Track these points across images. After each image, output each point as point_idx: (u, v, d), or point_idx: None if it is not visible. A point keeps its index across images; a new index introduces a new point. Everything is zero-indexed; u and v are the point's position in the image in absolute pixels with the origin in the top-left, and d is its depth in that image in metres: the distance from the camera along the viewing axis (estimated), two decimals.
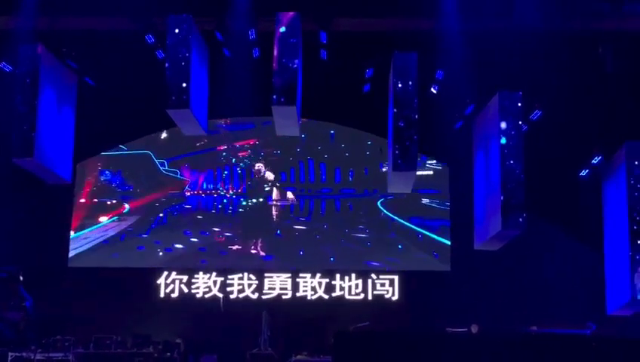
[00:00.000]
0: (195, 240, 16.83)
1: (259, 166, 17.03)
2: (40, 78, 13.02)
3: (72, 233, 16.77)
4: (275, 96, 12.68)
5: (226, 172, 17.08)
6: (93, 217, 16.84)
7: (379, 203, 16.88)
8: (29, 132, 12.84)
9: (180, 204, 16.95)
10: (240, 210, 16.98)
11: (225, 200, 17.00)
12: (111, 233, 16.79)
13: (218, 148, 17.09)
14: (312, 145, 17.14)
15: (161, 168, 16.97)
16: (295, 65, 12.75)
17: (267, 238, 16.87)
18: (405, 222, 16.82)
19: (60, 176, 13.85)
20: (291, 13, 12.95)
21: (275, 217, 17.03)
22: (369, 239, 16.82)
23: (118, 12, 13.56)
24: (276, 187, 17.08)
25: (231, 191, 17.01)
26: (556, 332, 14.06)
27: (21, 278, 15.51)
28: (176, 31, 12.81)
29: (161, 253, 16.78)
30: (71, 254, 16.67)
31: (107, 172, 17.02)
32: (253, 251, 16.84)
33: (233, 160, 17.13)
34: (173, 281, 16.67)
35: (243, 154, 17.17)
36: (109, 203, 16.94)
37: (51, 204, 16.45)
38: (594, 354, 13.11)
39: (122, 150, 17.00)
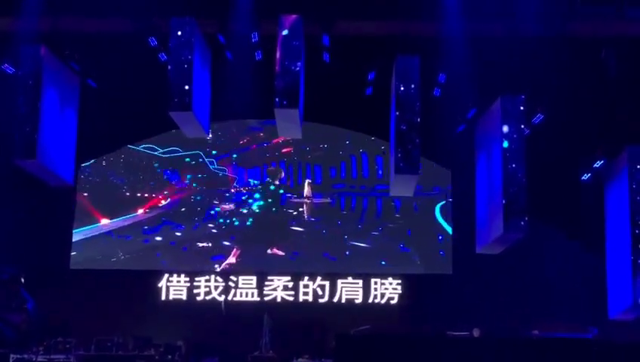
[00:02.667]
0: (234, 237, 16.92)
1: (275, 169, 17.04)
2: (42, 80, 13.04)
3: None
4: (277, 99, 12.70)
5: (272, 168, 17.15)
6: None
7: (438, 207, 16.87)
8: (31, 134, 12.86)
9: (227, 200, 17.00)
10: (285, 205, 17.06)
11: (272, 197, 17.08)
12: (157, 230, 16.91)
13: (264, 144, 17.09)
14: (363, 137, 17.04)
15: (210, 166, 17.07)
16: (297, 68, 12.76)
17: (293, 237, 16.89)
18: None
19: (62, 178, 13.86)
20: (294, 15, 12.96)
21: (305, 215, 17.03)
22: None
23: (121, 14, 13.57)
24: (308, 183, 17.07)
25: (279, 189, 17.07)
26: (558, 337, 14.05)
27: (23, 280, 15.50)
28: (179, 33, 12.84)
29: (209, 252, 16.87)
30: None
31: (168, 171, 17.11)
32: (280, 252, 16.87)
33: (278, 155, 17.16)
34: (175, 283, 16.68)
35: (287, 150, 17.16)
36: (163, 201, 17.05)
37: (53, 206, 16.45)
38: (596, 359, 13.11)
39: (177, 151, 17.06)
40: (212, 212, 17.01)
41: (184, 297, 16.64)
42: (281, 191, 17.12)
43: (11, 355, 14.27)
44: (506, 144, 12.84)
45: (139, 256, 16.81)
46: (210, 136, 16.59)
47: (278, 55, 12.85)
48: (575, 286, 15.51)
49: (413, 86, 12.94)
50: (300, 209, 17.07)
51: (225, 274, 16.71)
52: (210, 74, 13.88)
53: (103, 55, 14.37)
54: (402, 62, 13.07)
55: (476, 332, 14.50)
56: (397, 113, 12.92)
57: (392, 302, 16.57)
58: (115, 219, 16.91)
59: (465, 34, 13.50)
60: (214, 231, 16.92)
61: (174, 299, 16.63)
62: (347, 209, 17.06)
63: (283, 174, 17.14)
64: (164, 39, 13.45)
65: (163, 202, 17.04)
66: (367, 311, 16.34)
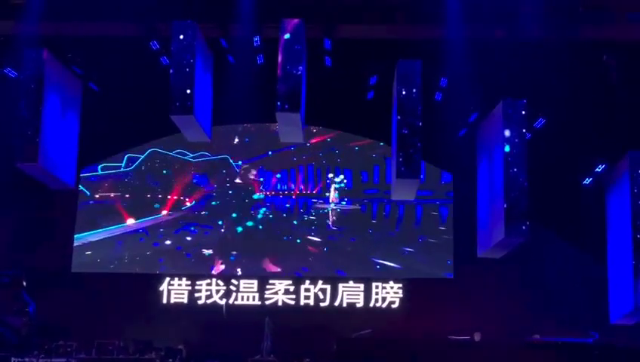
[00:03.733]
0: (253, 240, 16.93)
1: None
2: (44, 84, 13.05)
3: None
4: (279, 103, 12.69)
5: (299, 172, 17.16)
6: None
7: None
8: (33, 137, 12.86)
9: (253, 204, 17.04)
10: (312, 210, 17.03)
11: (298, 201, 17.07)
12: (175, 233, 16.96)
13: (291, 148, 17.04)
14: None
15: (237, 170, 17.09)
16: (299, 72, 12.76)
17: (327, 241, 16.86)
18: None
19: (64, 182, 13.86)
20: (296, 20, 12.96)
21: (330, 220, 16.99)
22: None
23: (123, 18, 13.58)
24: (334, 188, 17.05)
25: (304, 192, 17.06)
26: (559, 341, 14.05)
27: (24, 283, 15.50)
28: (181, 37, 12.84)
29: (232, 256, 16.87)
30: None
31: (197, 175, 17.17)
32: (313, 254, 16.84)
33: (306, 159, 17.17)
34: (176, 286, 16.69)
35: (317, 152, 17.16)
36: (188, 202, 17.10)
37: (54, 209, 16.46)
38: None
39: (206, 155, 17.10)
40: (234, 215, 17.02)
41: (185, 301, 16.64)
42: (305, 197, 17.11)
43: (12, 358, 14.26)
44: (507, 148, 12.83)
45: (144, 258, 16.84)
46: (237, 140, 16.72)
47: (279, 59, 12.85)
48: (576, 290, 15.49)
49: (414, 90, 12.93)
50: (324, 216, 16.97)
51: (226, 278, 16.70)
52: (211, 78, 13.88)
53: (104, 59, 14.39)
54: (404, 66, 13.07)
55: (477, 337, 14.50)
56: (398, 117, 12.92)
57: (394, 306, 16.55)
58: (141, 220, 16.98)
59: (466, 38, 13.50)
60: (227, 236, 16.91)
61: (175, 303, 16.63)
62: (379, 217, 16.90)
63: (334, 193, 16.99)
64: (166, 43, 13.46)
65: (188, 204, 17.09)
66: (368, 315, 16.33)
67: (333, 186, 17.07)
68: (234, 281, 16.67)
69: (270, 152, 17.12)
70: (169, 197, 17.12)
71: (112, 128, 16.15)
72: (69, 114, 13.95)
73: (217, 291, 16.67)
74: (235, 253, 16.90)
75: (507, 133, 12.89)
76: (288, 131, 13.36)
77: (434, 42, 13.58)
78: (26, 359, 14.25)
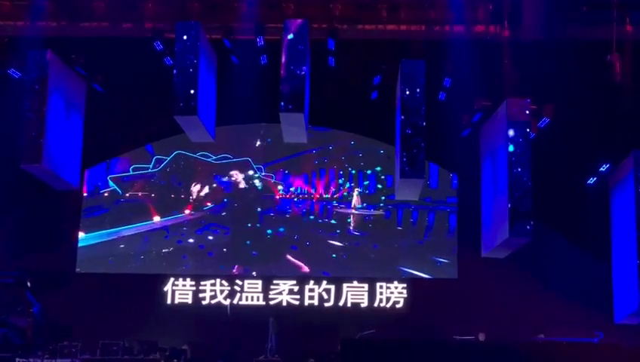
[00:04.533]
0: (278, 240, 16.94)
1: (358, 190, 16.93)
2: (48, 85, 13.05)
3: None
4: (282, 103, 12.70)
5: (320, 175, 17.14)
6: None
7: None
8: (37, 138, 12.87)
9: (272, 207, 17.09)
10: (332, 214, 17.01)
11: (319, 205, 17.07)
12: (197, 233, 17.04)
13: (313, 151, 17.07)
14: None
15: (258, 173, 17.13)
16: (303, 73, 12.76)
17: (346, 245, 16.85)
18: None
19: (68, 182, 13.87)
20: (299, 20, 12.97)
21: (352, 225, 16.94)
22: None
23: (127, 19, 13.59)
24: (357, 193, 16.99)
25: (324, 196, 17.05)
26: (563, 341, 14.03)
27: (28, 284, 15.52)
28: (185, 38, 12.84)
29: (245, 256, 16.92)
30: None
31: (219, 176, 17.23)
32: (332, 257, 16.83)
33: (327, 162, 17.16)
34: (181, 287, 16.70)
35: (339, 155, 17.14)
36: (209, 204, 17.16)
37: (59, 210, 16.47)
38: None
39: (228, 158, 17.15)
40: (253, 218, 17.04)
41: (190, 301, 16.65)
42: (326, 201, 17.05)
43: (17, 359, 14.28)
44: (511, 148, 12.81)
45: (168, 255, 16.91)
46: (259, 143, 16.80)
47: (283, 59, 12.85)
48: (580, 290, 15.48)
49: (418, 90, 12.92)
50: (345, 221, 16.94)
51: (230, 278, 16.71)
52: (215, 78, 13.88)
53: (108, 59, 14.40)
54: (407, 66, 13.06)
55: (482, 337, 14.49)
56: (402, 117, 12.91)
57: (398, 306, 16.55)
58: (165, 218, 17.05)
59: (470, 38, 13.50)
60: (246, 237, 16.95)
61: (180, 303, 16.64)
62: (405, 224, 16.82)
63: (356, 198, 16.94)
64: (169, 44, 13.47)
65: (209, 205, 17.15)
66: (372, 315, 16.33)
67: (356, 191, 17.04)
68: (238, 281, 16.67)
69: (292, 155, 17.08)
70: (192, 197, 17.20)
71: (116, 129, 16.17)
72: (73, 115, 13.96)
73: (222, 291, 16.67)
74: (255, 253, 16.91)
75: (511, 132, 12.86)
76: (292, 131, 13.36)
77: (437, 42, 13.57)
78: (31, 359, 14.28)
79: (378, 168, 17.05)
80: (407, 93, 12.92)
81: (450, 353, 13.39)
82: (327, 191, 17.09)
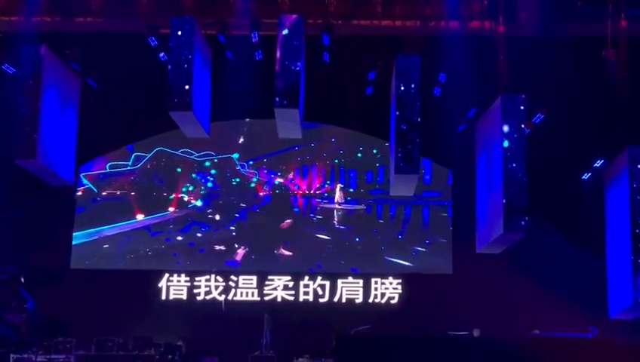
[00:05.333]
0: (263, 237, 16.91)
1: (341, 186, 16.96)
2: (43, 80, 13.02)
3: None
4: (277, 99, 12.68)
5: (303, 172, 17.12)
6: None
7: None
8: (31, 134, 12.84)
9: (257, 204, 17.04)
10: (316, 210, 17.01)
11: (302, 201, 17.05)
12: (183, 232, 16.96)
13: (296, 147, 17.05)
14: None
15: (242, 170, 17.08)
16: (298, 68, 12.75)
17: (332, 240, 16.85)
18: None
19: (63, 178, 13.84)
20: (294, 15, 12.95)
21: (336, 220, 16.95)
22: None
23: (122, 14, 13.56)
24: (340, 188, 17.01)
25: (308, 192, 17.03)
26: (558, 336, 14.05)
27: (23, 280, 15.50)
28: (179, 33, 12.81)
29: (239, 252, 16.84)
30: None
31: (201, 173, 17.18)
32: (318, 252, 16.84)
33: (310, 159, 17.15)
34: (175, 283, 16.69)
35: (321, 153, 17.11)
36: (194, 201, 17.09)
37: (54, 206, 16.45)
38: (596, 358, 13.11)
39: (211, 155, 17.09)
40: (236, 215, 17.02)
41: (184, 297, 16.63)
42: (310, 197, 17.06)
43: (11, 355, 14.27)
44: (506, 143, 12.81)
45: (157, 253, 16.85)
46: (242, 139, 16.74)
47: (278, 55, 12.83)
48: (575, 285, 15.50)
49: (413, 85, 12.91)
50: (330, 216, 16.94)
51: (225, 274, 16.70)
52: (210, 74, 13.86)
53: (103, 55, 14.38)
54: (402, 61, 13.05)
55: (476, 332, 14.50)
56: (397, 113, 12.89)
57: (393, 301, 16.56)
58: (149, 216, 16.97)
59: (465, 34, 13.49)
60: (234, 234, 16.93)
61: (175, 299, 16.62)
62: (385, 218, 16.93)
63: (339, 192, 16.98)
64: (164, 39, 13.44)
65: (193, 203, 17.09)
66: (367, 310, 16.34)
67: (338, 186, 17.04)
68: (233, 277, 16.66)
69: (275, 152, 17.10)
70: (174, 195, 17.12)
71: (111, 124, 16.14)
72: (68, 110, 13.94)
73: (217, 287, 16.66)
74: (243, 251, 16.87)
75: (506, 128, 12.87)
76: (287, 127, 13.35)
77: (433, 38, 13.56)
78: (25, 355, 14.26)
79: (360, 165, 17.03)
80: (402, 88, 12.91)
81: (444, 348, 13.40)
82: (310, 187, 17.06)
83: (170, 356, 14.89)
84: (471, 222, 14.32)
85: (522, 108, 12.98)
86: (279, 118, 13.01)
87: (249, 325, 15.49)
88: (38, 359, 14.25)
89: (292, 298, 16.63)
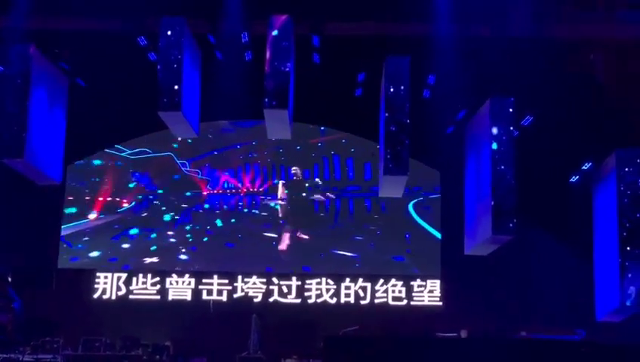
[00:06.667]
0: (207, 239, 16.76)
1: (295, 169, 16.92)
2: (31, 79, 12.96)
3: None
4: (266, 100, 12.66)
5: (246, 170, 17.03)
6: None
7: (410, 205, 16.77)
8: (19, 133, 12.78)
9: (201, 203, 16.91)
10: (260, 207, 16.93)
11: (246, 199, 16.96)
12: (129, 233, 16.75)
13: (236, 145, 16.98)
14: (336, 139, 17.01)
15: (183, 169, 16.91)
16: (287, 69, 12.74)
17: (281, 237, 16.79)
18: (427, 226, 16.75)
19: (50, 177, 13.80)
20: (284, 16, 12.94)
21: (280, 215, 16.91)
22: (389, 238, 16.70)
23: (111, 13, 13.52)
24: (282, 184, 16.97)
25: (251, 189, 16.95)
26: (545, 338, 14.08)
27: (10, 279, 15.44)
28: (169, 33, 12.78)
29: (182, 254, 16.70)
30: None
31: (137, 173, 16.97)
32: (269, 250, 16.78)
33: (252, 157, 17.06)
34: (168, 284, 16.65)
35: (262, 150, 17.06)
36: (126, 203, 16.90)
37: (41, 205, 16.39)
38: (583, 360, 13.14)
39: (147, 153, 16.92)
40: (177, 217, 16.79)
41: (173, 297, 16.59)
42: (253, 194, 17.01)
43: None
44: (495, 146, 12.84)
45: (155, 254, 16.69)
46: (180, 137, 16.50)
47: (267, 55, 12.82)
48: (563, 287, 15.55)
49: (402, 87, 12.92)
50: (274, 212, 16.93)
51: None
52: (199, 74, 13.83)
53: (92, 54, 14.33)
54: (392, 63, 13.06)
55: (464, 333, 14.52)
56: (386, 114, 12.91)
57: (381, 302, 16.56)
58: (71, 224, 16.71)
59: (455, 35, 13.51)
60: (172, 240, 16.67)
61: (163, 300, 16.58)
62: (321, 211, 16.97)
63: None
64: (153, 38, 13.41)
65: (126, 205, 16.81)
66: (356, 312, 16.34)
67: (280, 182, 17.02)
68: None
69: (216, 151, 16.94)
70: (100, 198, 16.77)
71: (99, 124, 16.09)
72: (56, 109, 13.89)
73: (213, 290, 16.61)
74: (185, 256, 16.71)
75: (495, 130, 12.89)
76: (276, 128, 13.34)
77: (422, 39, 13.58)
78: (12, 355, 14.20)
79: (299, 162, 17.02)
80: (392, 90, 12.91)
81: (432, 349, 13.41)
82: (253, 185, 16.97)
83: (157, 356, 14.85)
84: (459, 223, 14.34)
85: (511, 110, 13.01)
86: (268, 119, 13.00)
87: (237, 325, 15.46)
88: (24, 359, 14.20)
89: (280, 298, 16.59)
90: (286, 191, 16.96)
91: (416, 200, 16.81)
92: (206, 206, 16.94)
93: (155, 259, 16.66)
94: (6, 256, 15.85)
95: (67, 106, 14.25)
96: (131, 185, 16.98)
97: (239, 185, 17.03)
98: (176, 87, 12.63)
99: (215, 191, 16.97)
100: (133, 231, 16.77)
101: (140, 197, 16.92)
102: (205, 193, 16.98)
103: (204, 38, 13.94)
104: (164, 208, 16.86)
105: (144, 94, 13.41)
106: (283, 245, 16.75)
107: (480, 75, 13.61)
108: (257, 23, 13.45)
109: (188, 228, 16.83)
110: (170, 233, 16.77)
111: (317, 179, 17.00)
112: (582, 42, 13.71)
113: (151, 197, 16.95)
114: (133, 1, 13.27)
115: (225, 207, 16.92)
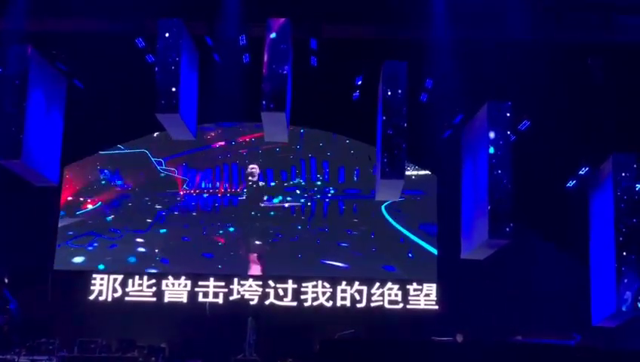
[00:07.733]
0: (189, 240, 16.67)
1: (252, 168, 16.92)
2: (29, 80, 12.96)
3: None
4: (264, 102, 12.66)
5: (224, 170, 16.95)
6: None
7: (383, 207, 16.74)
8: (16, 134, 12.77)
9: (177, 203, 16.82)
10: (239, 209, 16.86)
11: (223, 200, 16.89)
12: (106, 232, 16.61)
13: (215, 145, 16.93)
14: (313, 142, 17.01)
15: (158, 167, 16.76)
16: (285, 72, 12.74)
17: (263, 241, 16.78)
18: (402, 229, 16.72)
19: (47, 179, 13.78)
20: (282, 19, 12.94)
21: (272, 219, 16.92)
22: (374, 244, 16.70)
23: (109, 15, 13.52)
24: (261, 186, 16.97)
25: (229, 190, 16.88)
26: (541, 342, 14.09)
27: (6, 281, 15.42)
28: (167, 35, 12.78)
29: (157, 256, 16.65)
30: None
31: (106, 171, 16.83)
32: (249, 255, 16.74)
33: (231, 157, 17.02)
34: (164, 286, 16.64)
35: (243, 151, 17.03)
36: (91, 204, 16.75)
37: (38, 207, 16.38)
38: None
39: (120, 149, 16.75)
40: (149, 220, 16.64)
41: (169, 299, 16.58)
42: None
43: None
44: (492, 150, 12.85)
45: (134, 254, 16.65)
46: (157, 133, 16.32)
47: (265, 58, 12.81)
48: (559, 292, 15.56)
49: (400, 91, 12.94)
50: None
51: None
52: (197, 76, 13.83)
53: (90, 56, 14.31)
54: (390, 67, 13.07)
55: (459, 338, 14.53)
56: (384, 118, 12.91)
57: (377, 305, 16.56)
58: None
59: (452, 40, 13.52)
60: (142, 240, 16.50)
61: (159, 302, 16.58)
62: (297, 212, 16.94)
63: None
64: (151, 40, 13.41)
65: (90, 206, 16.68)
66: (352, 315, 16.34)
67: (260, 184, 16.95)
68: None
69: (194, 149, 16.73)
70: (70, 198, 16.52)
71: (97, 125, 16.08)
72: (54, 111, 13.88)
73: (209, 292, 16.60)
74: (159, 258, 16.62)
75: (492, 135, 12.91)
76: (273, 131, 13.33)
77: (420, 43, 13.58)
78: (8, 357, 14.18)
79: (276, 163, 17.04)
80: (389, 93, 12.93)
81: (428, 353, 13.42)
82: (230, 185, 16.89)
83: (153, 358, 14.86)
84: (456, 227, 14.35)
85: (508, 115, 13.03)
86: (266, 122, 12.99)
87: (233, 328, 15.45)
88: (20, 360, 14.19)
89: (276, 301, 16.58)
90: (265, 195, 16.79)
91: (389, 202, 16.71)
92: (182, 205, 16.72)
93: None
94: (1, 258, 15.83)
95: (65, 108, 14.24)
96: (104, 184, 16.76)
97: (217, 184, 16.83)
98: (173, 89, 12.62)
99: (192, 192, 16.71)
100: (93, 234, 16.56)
101: (108, 196, 16.70)
102: (182, 193, 16.79)
103: (202, 41, 13.94)
104: (137, 209, 16.60)
105: (142, 96, 13.42)
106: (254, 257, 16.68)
107: (477, 79, 13.61)
108: (255, 25, 13.45)
109: (162, 231, 16.68)
110: (131, 241, 16.56)
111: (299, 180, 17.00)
112: (579, 46, 13.71)
113: (123, 196, 16.73)
114: (131, 2, 13.26)
115: (201, 207, 16.75)
